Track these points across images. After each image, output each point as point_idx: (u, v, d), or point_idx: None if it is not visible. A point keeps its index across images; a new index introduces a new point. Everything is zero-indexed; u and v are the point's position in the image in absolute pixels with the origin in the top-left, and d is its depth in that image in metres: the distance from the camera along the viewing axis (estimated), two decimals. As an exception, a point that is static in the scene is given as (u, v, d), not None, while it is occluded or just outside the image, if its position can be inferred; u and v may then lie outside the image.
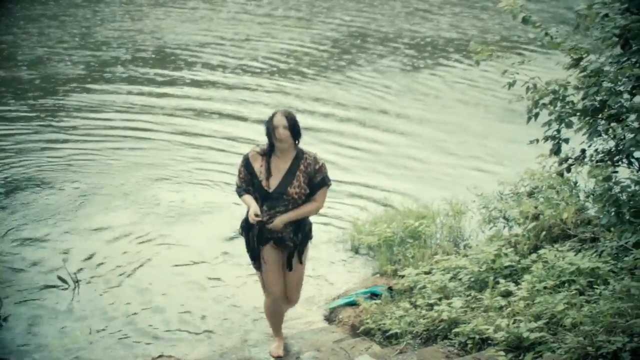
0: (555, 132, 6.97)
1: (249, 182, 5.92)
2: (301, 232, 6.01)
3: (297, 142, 5.87)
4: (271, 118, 5.80)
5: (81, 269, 7.85)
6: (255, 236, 5.95)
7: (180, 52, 18.01)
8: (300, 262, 6.12)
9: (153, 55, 17.58)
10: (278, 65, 17.22)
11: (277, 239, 5.92)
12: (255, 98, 14.75)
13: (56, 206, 9.42)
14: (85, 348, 6.61)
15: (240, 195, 5.99)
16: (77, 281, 7.57)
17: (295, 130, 5.80)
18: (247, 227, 6.02)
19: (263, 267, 6.02)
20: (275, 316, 6.29)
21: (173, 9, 23.21)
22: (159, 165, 11.01)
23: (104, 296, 7.43)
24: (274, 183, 5.84)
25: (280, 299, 6.18)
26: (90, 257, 8.16)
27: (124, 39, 18.94)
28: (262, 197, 5.85)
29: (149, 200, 9.76)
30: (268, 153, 5.91)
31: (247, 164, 5.94)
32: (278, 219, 5.82)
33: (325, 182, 5.91)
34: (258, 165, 5.89)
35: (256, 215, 5.73)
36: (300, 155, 5.90)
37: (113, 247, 8.44)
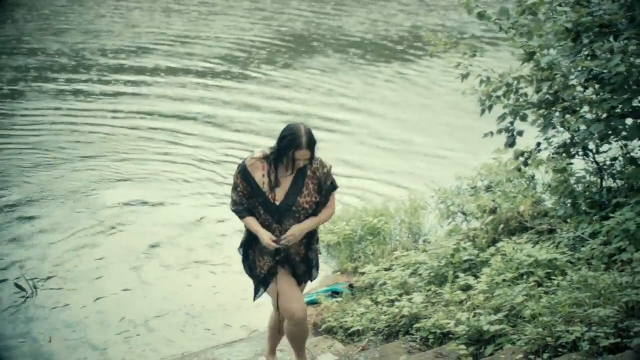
0: (509, 125, 7.03)
1: (249, 197, 5.02)
2: (313, 245, 5.26)
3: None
4: (294, 143, 4.83)
5: (38, 275, 7.73)
6: (266, 262, 5.11)
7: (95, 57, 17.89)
8: (317, 272, 5.39)
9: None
10: (219, 65, 17.17)
11: (291, 262, 5.15)
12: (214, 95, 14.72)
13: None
14: (44, 354, 6.51)
15: (241, 217, 5.08)
16: (35, 287, 7.46)
17: (314, 153, 4.96)
18: (247, 247, 5.22)
19: (271, 285, 5.15)
20: (299, 339, 5.35)
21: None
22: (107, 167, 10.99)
23: (62, 302, 7.33)
24: (280, 194, 5.00)
25: (304, 318, 5.17)
26: (46, 263, 8.05)
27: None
28: (269, 211, 5.00)
29: (93, 203, 9.70)
30: (275, 160, 4.97)
31: (245, 175, 5.01)
32: (295, 227, 4.99)
33: (335, 186, 5.13)
34: (259, 175, 5.00)
35: (274, 242, 4.94)
36: None
37: (69, 252, 8.33)
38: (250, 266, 5.24)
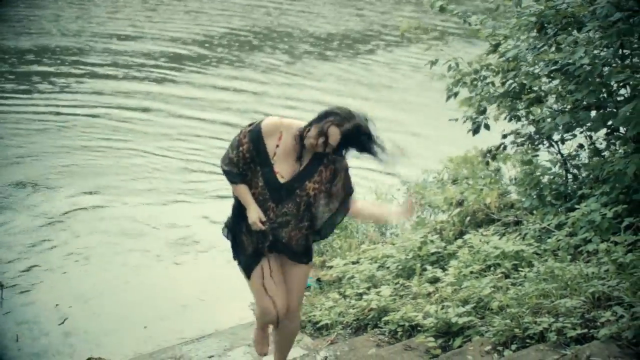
0: (474, 114, 7.09)
1: (249, 162, 4.41)
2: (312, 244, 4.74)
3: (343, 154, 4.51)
4: (335, 118, 4.30)
5: (5, 272, 7.64)
6: (254, 243, 4.54)
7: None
8: (310, 259, 4.78)
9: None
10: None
11: (285, 249, 4.59)
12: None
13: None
14: (12, 353, 6.42)
15: (233, 182, 4.47)
16: (1, 285, 7.36)
17: (347, 145, 4.40)
18: (234, 228, 4.63)
19: (256, 272, 4.59)
20: (263, 338, 5.08)
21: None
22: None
23: (30, 299, 7.24)
24: (288, 172, 4.42)
25: (282, 316, 4.70)
26: (14, 260, 7.95)
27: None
28: (270, 187, 4.42)
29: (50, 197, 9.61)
30: (300, 143, 4.40)
31: (256, 137, 4.37)
32: (393, 212, 4.60)
33: (353, 189, 4.64)
34: (273, 143, 4.40)
35: (262, 223, 4.43)
36: None
37: (37, 249, 8.23)
38: (238, 247, 4.63)
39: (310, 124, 4.37)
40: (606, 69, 6.22)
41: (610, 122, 6.36)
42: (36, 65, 16.01)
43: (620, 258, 5.20)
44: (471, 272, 5.85)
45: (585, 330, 4.68)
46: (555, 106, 6.68)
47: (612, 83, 6.28)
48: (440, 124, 9.03)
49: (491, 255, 5.99)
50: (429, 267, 6.31)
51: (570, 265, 5.34)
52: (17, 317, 6.94)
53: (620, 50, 6.20)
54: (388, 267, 6.62)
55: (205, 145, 11.79)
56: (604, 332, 4.53)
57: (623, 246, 5.36)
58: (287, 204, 4.45)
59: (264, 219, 4.42)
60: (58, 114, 13.12)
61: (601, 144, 6.83)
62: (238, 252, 4.65)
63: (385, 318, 5.77)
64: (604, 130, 6.59)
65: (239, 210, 4.55)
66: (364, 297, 6.17)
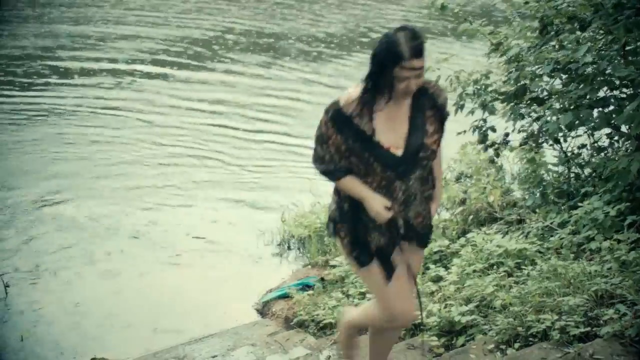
0: (480, 122, 7.08)
1: (349, 155, 3.67)
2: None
3: None
4: (391, 55, 3.46)
5: (10, 272, 7.65)
6: (385, 237, 3.79)
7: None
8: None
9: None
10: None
11: (412, 232, 3.84)
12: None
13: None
14: (16, 353, 6.44)
15: (335, 179, 3.75)
16: (7, 286, 7.37)
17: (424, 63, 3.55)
18: (351, 221, 3.81)
19: (377, 270, 3.84)
20: (355, 342, 4.44)
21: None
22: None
23: (34, 299, 7.24)
24: (398, 139, 3.66)
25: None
26: (19, 260, 7.95)
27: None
28: (390, 166, 3.65)
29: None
30: (368, 101, 3.63)
31: (339, 120, 3.63)
32: (433, 212, 3.89)
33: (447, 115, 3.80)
34: (366, 119, 3.64)
35: (388, 209, 3.68)
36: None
37: (39, 250, 8.23)
38: (359, 246, 3.83)
39: (378, 71, 3.55)
40: (609, 66, 6.22)
41: (613, 121, 6.36)
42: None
43: (624, 256, 5.20)
44: (474, 271, 5.85)
45: (588, 329, 4.68)
46: (557, 105, 6.68)
47: (615, 80, 6.28)
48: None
49: (494, 254, 5.99)
50: (431, 266, 6.31)
51: (573, 263, 5.34)
52: (22, 317, 6.96)
53: (624, 48, 6.20)
54: (391, 266, 6.61)
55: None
56: (607, 330, 4.53)
57: (626, 244, 5.36)
58: (413, 173, 3.71)
59: (388, 204, 3.68)
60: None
61: (604, 142, 6.83)
62: (360, 250, 3.85)
63: (388, 317, 5.77)
64: (606, 129, 6.59)
65: (354, 207, 3.79)
66: (367, 296, 6.17)
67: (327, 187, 8.81)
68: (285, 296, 6.93)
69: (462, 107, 7.07)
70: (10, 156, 11.09)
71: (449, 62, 7.27)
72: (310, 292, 6.80)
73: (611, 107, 6.37)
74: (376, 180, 3.68)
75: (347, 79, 15.80)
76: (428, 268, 6.29)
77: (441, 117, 3.75)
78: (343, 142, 3.65)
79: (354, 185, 3.70)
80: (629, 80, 6.15)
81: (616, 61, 6.16)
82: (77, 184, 10.08)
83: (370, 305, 4.15)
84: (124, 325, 6.89)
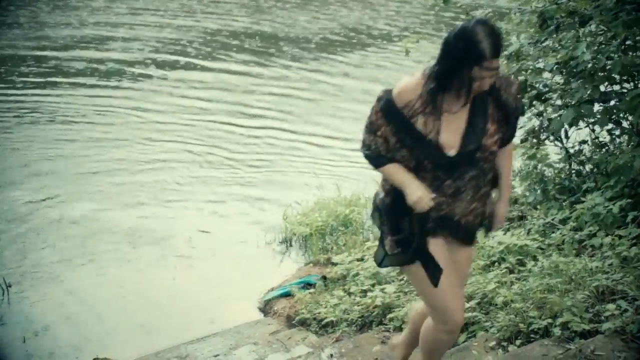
0: None
1: (399, 147, 3.44)
2: (491, 196, 3.71)
3: None
4: (471, 53, 3.17)
5: (10, 273, 7.64)
6: (430, 230, 3.56)
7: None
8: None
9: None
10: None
11: (458, 229, 3.62)
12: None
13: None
14: (20, 354, 6.44)
15: (378, 165, 3.55)
16: (9, 286, 7.38)
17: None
18: (396, 212, 3.58)
19: (411, 271, 3.64)
20: (444, 349, 4.01)
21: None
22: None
23: (36, 300, 7.25)
24: (453, 138, 3.40)
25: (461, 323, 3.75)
26: (20, 261, 7.95)
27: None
28: (441, 166, 3.43)
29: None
30: (440, 86, 3.32)
31: (391, 111, 3.40)
32: (501, 212, 3.70)
33: (522, 112, 3.73)
34: (429, 119, 3.39)
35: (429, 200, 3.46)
36: None
37: (42, 249, 8.24)
38: (401, 243, 3.59)
39: (452, 69, 3.24)
40: (609, 62, 6.20)
41: (614, 116, 6.35)
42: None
43: (625, 252, 5.19)
44: (476, 268, 5.85)
45: (590, 325, 4.67)
46: (559, 102, 6.66)
47: (615, 76, 6.27)
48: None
49: (495, 251, 5.98)
50: (433, 264, 6.29)
51: (574, 259, 5.33)
52: (24, 318, 6.97)
53: (624, 44, 6.18)
54: (393, 264, 6.61)
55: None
56: (608, 326, 4.53)
57: (627, 240, 5.35)
58: (467, 174, 3.46)
59: (431, 195, 3.46)
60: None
61: (605, 137, 6.82)
62: (401, 247, 3.62)
63: (390, 315, 5.77)
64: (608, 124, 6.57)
65: (399, 197, 3.54)
66: (369, 294, 6.17)
67: (328, 186, 8.90)
68: (287, 295, 6.93)
69: None
70: (11, 156, 11.10)
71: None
72: (312, 290, 6.81)
73: (612, 102, 6.36)
74: (427, 178, 3.47)
75: (348, 77, 15.86)
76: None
77: (506, 114, 3.48)
78: (393, 134, 3.43)
79: (397, 172, 3.48)
80: (629, 75, 6.15)
81: (616, 56, 6.14)
82: (76, 182, 10.09)
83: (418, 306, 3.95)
84: (126, 324, 6.89)
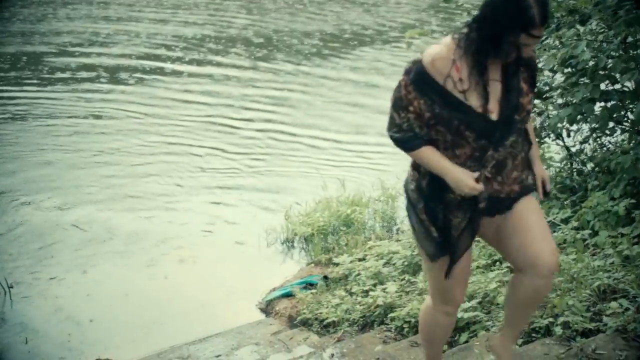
0: None
1: (435, 122, 3.19)
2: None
3: None
4: (521, 18, 2.99)
5: (11, 274, 7.64)
6: (457, 218, 3.32)
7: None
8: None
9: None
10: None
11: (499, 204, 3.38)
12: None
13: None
14: (22, 355, 6.44)
15: (410, 149, 3.28)
16: (10, 287, 7.38)
17: None
18: (431, 199, 3.34)
19: (433, 260, 3.45)
20: (444, 336, 3.89)
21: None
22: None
23: (38, 301, 7.25)
24: (493, 104, 3.19)
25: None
26: (21, 262, 7.95)
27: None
28: (485, 133, 3.19)
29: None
30: (483, 50, 3.11)
31: (423, 82, 3.15)
32: (542, 170, 3.55)
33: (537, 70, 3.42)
34: (453, 80, 3.14)
35: (477, 181, 3.23)
36: None
37: (43, 250, 8.24)
38: (439, 227, 3.35)
39: (498, 34, 3.06)
40: (610, 61, 6.19)
41: (615, 115, 6.34)
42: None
43: (626, 250, 5.19)
44: (477, 267, 5.85)
45: (592, 324, 4.67)
46: (560, 100, 6.65)
47: (616, 75, 6.26)
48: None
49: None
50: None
51: (576, 258, 5.32)
52: (27, 319, 6.97)
53: (624, 43, 6.17)
54: (394, 264, 6.62)
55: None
56: (610, 325, 4.52)
57: (629, 238, 5.34)
58: (507, 140, 3.26)
59: (475, 175, 3.24)
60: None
61: (606, 136, 6.81)
62: (434, 241, 3.41)
63: (392, 314, 5.77)
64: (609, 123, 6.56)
65: (435, 184, 3.31)
66: (370, 293, 6.17)
67: (330, 187, 8.90)
68: (288, 295, 6.93)
69: None
70: (10, 157, 11.11)
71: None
72: (314, 290, 6.81)
73: (613, 101, 6.34)
74: (466, 152, 3.23)
75: (350, 71, 15.86)
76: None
77: (533, 73, 3.32)
78: (427, 109, 3.16)
79: (434, 156, 3.23)
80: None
81: (617, 55, 6.13)
82: (76, 182, 10.10)
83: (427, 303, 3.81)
84: (127, 325, 6.89)
